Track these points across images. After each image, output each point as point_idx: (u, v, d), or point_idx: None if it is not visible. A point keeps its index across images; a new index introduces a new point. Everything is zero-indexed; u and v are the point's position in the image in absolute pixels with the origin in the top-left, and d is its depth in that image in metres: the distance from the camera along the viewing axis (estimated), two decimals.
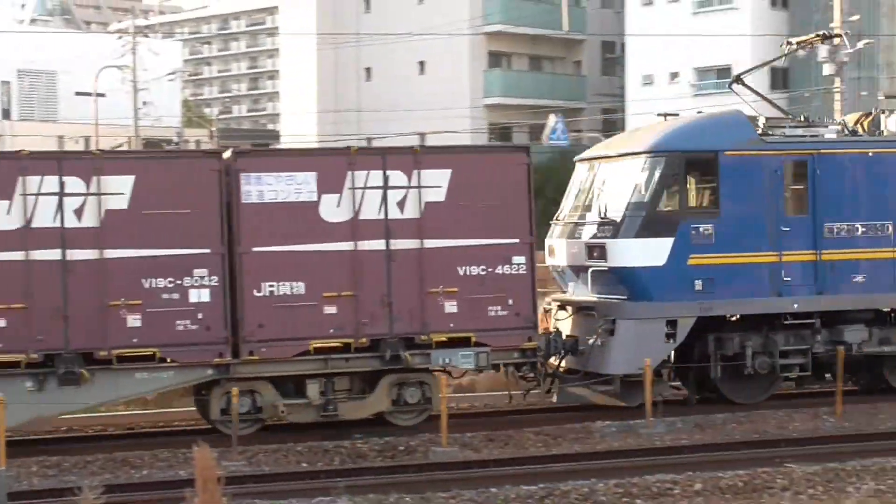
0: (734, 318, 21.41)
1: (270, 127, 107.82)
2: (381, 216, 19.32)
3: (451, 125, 45.86)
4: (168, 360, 19.00)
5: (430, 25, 48.88)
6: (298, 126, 55.93)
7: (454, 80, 55.46)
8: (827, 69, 40.64)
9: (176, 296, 18.88)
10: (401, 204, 19.39)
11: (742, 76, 23.69)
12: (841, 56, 39.61)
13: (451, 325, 19.52)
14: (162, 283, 18.83)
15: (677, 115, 23.66)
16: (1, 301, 18.18)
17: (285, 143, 58.51)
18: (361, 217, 19.21)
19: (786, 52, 27.37)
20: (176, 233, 18.91)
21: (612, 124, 56.35)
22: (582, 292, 21.32)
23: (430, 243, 19.46)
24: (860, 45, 41.95)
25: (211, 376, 19.20)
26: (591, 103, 58.94)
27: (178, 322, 18.84)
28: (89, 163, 19.04)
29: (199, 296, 19.07)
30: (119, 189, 18.71)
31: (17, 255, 18.34)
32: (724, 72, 52.21)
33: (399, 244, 19.34)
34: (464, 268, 19.56)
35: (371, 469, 16.64)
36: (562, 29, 48.90)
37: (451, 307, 19.57)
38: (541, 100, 54.81)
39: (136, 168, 19.26)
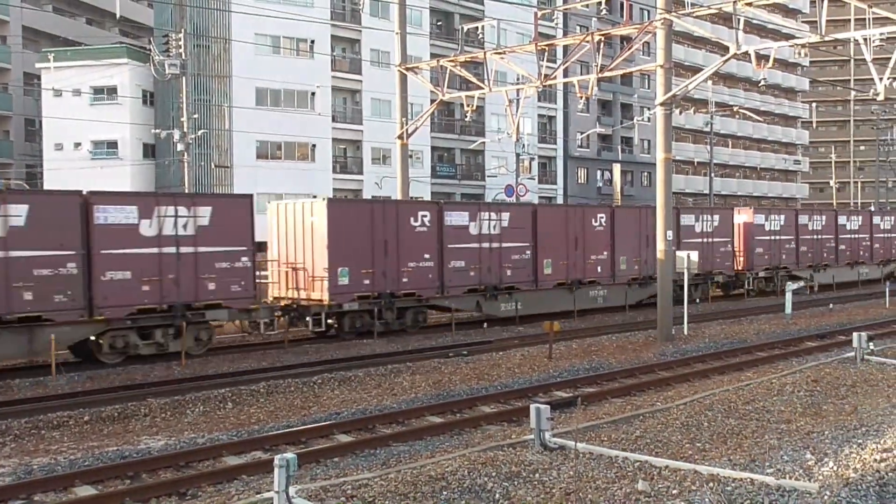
0: None
1: None
2: None
3: None
4: None
5: None
6: None
7: None
8: (180, 147, 40.19)
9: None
10: None
11: None
12: (188, 139, 39.61)
13: None
14: None
15: None
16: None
17: None
18: None
19: (154, 134, 26.78)
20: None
21: (33, 176, 52.86)
22: None
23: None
24: (199, 133, 42.38)
25: None
26: (18, 160, 54.45)
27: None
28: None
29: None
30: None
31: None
32: (112, 144, 50.84)
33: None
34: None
35: None
36: None
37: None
38: None
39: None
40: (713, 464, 10.04)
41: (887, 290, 33.81)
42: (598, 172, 70.37)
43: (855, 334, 18.37)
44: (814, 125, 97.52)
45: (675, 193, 38.23)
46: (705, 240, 33.99)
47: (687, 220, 33.61)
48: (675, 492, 8.93)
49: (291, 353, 22.03)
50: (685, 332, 24.46)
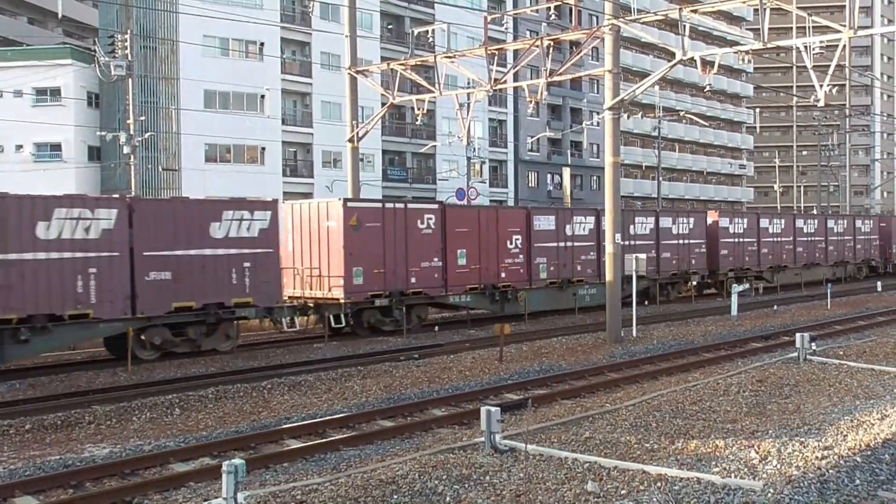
0: None
1: None
2: None
3: None
4: None
5: None
6: None
7: None
8: (126, 149, 39.44)
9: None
10: None
11: None
12: (134, 141, 38.96)
13: None
14: None
15: None
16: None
17: None
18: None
19: (100, 136, 26.07)
20: None
21: None
22: None
23: None
24: (146, 135, 41.75)
25: None
26: None
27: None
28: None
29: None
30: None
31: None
32: (56, 146, 49.80)
33: None
34: None
35: None
36: None
37: None
38: None
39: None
40: (661, 464, 10.15)
41: (829, 292, 34.60)
42: (549, 176, 70.92)
43: (798, 335, 18.75)
44: (758, 130, 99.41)
45: (623, 197, 38.74)
46: None
47: None
48: (623, 492, 9.01)
49: (241, 358, 21.77)
50: (634, 334, 24.70)
